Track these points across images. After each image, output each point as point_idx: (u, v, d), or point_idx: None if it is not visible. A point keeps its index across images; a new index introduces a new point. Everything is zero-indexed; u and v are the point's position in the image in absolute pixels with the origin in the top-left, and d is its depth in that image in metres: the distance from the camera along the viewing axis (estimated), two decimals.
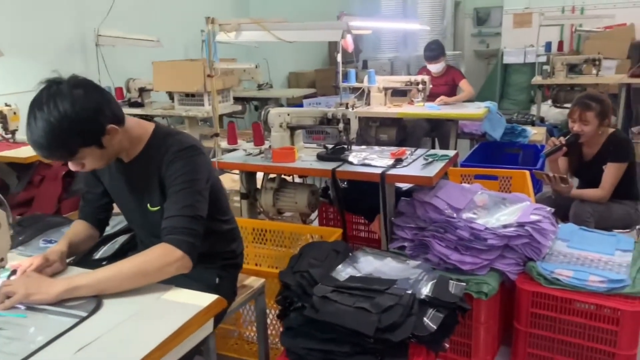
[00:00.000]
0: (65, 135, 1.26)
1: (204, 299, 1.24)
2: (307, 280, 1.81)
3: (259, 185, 2.78)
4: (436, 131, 4.40)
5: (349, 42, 3.95)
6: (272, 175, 2.70)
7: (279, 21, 2.28)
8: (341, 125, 2.59)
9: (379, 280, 1.81)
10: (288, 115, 2.70)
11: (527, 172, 3.21)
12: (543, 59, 5.93)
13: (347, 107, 3.36)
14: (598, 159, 2.70)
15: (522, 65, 7.81)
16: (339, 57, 3.94)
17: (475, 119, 3.85)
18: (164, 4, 5.40)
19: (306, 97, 5.24)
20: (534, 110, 6.43)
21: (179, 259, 1.31)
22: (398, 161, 2.44)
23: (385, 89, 4.17)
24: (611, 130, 2.70)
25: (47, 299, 1.21)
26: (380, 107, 4.16)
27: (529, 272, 2.09)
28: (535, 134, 4.34)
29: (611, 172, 2.62)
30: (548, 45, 6.03)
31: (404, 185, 2.63)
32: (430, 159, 2.46)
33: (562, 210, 2.71)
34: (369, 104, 4.23)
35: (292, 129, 2.72)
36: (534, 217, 2.19)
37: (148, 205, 1.50)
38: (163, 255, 1.30)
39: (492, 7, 9.74)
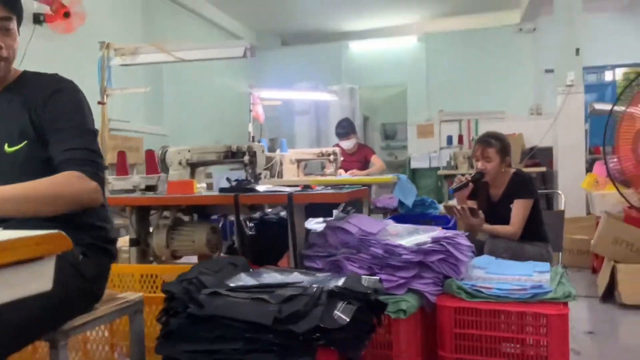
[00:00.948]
0: None
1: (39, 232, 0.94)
2: (195, 287, 1.50)
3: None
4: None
5: (259, 113, 3.96)
6: (166, 214, 2.41)
7: (179, 42, 2.19)
8: (247, 158, 2.43)
9: (282, 283, 1.54)
10: (189, 151, 2.51)
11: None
12: (445, 153, 6.30)
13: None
14: (505, 198, 2.71)
15: (427, 169, 8.29)
16: (250, 127, 3.89)
17: (386, 182, 3.86)
18: (64, 67, 5.23)
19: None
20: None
21: (94, 190, 1.24)
22: (306, 187, 2.28)
23: (298, 161, 4.12)
24: (513, 170, 2.76)
25: None
26: (293, 177, 4.07)
27: (449, 289, 1.91)
28: (443, 211, 4.39)
29: (519, 209, 2.62)
30: (449, 139, 6.46)
31: (315, 230, 2.44)
32: (340, 188, 2.33)
33: (475, 248, 2.62)
34: (281, 177, 4.12)
35: (193, 166, 2.51)
36: (448, 234, 2.07)
37: (6, 145, 1.28)
38: (79, 182, 1.21)
39: (398, 122, 10.56)
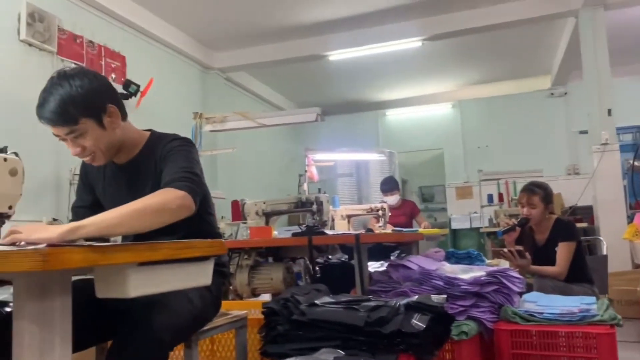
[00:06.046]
0: (71, 102, 1.40)
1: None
2: (292, 303, 1.81)
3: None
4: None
5: (314, 173, 4.35)
6: (246, 256, 2.74)
7: (260, 113, 2.63)
8: (315, 207, 2.79)
9: (365, 298, 1.83)
10: (264, 203, 2.89)
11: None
12: (486, 211, 6.50)
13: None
14: (550, 242, 2.94)
15: (469, 230, 8.45)
16: (305, 186, 4.27)
17: (435, 234, 4.11)
18: None
19: None
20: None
21: (180, 197, 1.34)
22: (369, 231, 2.59)
23: (349, 217, 4.44)
24: (555, 216, 3.01)
25: (51, 236, 1.22)
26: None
27: (505, 315, 2.15)
28: (490, 262, 4.57)
29: (563, 251, 2.84)
30: (490, 197, 6.68)
31: (377, 269, 2.73)
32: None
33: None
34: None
35: (268, 216, 2.88)
36: (501, 269, 2.32)
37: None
38: (163, 194, 1.35)
39: (435, 185, 10.84)
